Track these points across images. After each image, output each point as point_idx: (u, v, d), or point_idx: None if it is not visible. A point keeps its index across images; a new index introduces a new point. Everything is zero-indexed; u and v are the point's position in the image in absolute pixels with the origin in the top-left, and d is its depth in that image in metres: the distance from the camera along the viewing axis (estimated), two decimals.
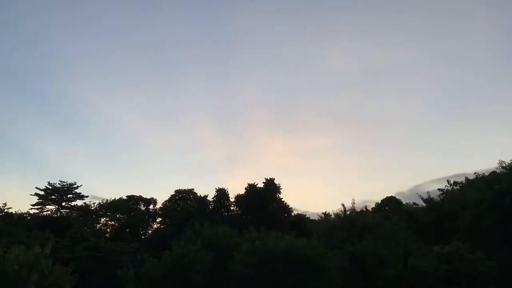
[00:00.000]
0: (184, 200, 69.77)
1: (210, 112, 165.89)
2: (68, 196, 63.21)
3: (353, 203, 47.16)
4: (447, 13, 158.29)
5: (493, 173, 49.78)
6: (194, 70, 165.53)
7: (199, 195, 68.52)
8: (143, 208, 72.61)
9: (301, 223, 58.57)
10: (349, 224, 43.48)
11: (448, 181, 57.43)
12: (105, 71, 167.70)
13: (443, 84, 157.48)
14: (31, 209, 62.88)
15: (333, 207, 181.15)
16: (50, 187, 62.24)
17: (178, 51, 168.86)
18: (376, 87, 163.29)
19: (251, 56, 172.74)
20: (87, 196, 64.96)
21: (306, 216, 65.40)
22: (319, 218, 59.10)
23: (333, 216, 50.54)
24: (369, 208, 59.38)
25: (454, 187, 56.29)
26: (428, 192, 56.62)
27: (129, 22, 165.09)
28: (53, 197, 62.61)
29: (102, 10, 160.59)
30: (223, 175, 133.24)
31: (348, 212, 45.85)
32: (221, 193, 65.74)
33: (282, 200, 63.25)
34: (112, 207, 68.56)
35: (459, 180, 56.51)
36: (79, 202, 65.03)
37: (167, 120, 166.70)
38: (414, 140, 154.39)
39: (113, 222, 69.21)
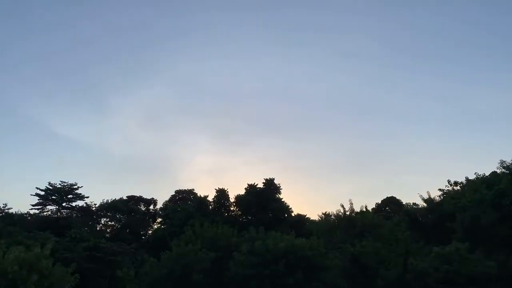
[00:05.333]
0: (184, 200, 69.79)
1: None
2: (69, 196, 63.23)
3: (351, 203, 47.08)
4: None
5: (493, 173, 49.60)
6: None
7: (199, 195, 68.58)
8: (143, 208, 72.72)
9: (301, 223, 58.62)
10: (349, 224, 43.44)
11: (449, 181, 57.20)
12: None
13: None
14: (32, 209, 63.08)
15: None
16: (50, 188, 62.25)
17: None
18: None
19: None
20: (87, 197, 65.09)
21: (306, 216, 65.45)
22: (319, 218, 59.02)
23: (333, 216, 50.47)
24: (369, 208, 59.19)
25: (455, 187, 56.07)
26: (428, 192, 56.45)
27: None
28: (53, 197, 62.63)
29: None
30: None
31: (348, 213, 45.77)
32: (221, 193, 65.75)
33: (282, 200, 63.33)
34: (112, 207, 68.58)
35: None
36: (79, 203, 65.22)
37: None
38: None
39: (113, 223, 69.25)
